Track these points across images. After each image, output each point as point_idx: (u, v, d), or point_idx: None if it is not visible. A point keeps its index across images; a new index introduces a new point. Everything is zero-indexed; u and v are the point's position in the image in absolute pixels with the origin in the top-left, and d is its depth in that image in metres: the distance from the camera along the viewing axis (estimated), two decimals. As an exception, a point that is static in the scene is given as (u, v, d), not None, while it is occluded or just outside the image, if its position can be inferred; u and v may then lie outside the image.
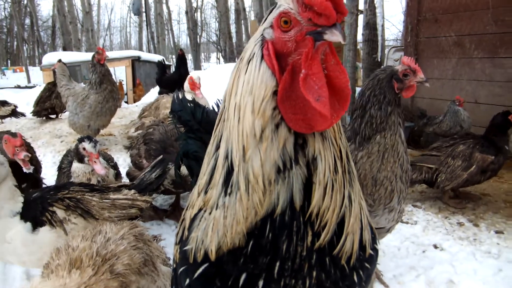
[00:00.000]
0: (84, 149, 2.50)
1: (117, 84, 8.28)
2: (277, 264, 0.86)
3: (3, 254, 1.91)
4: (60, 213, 1.93)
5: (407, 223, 3.00)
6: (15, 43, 36.59)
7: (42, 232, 1.88)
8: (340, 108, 0.86)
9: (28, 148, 3.03)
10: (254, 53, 0.89)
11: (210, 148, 0.98)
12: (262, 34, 0.89)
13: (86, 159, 2.50)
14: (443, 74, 5.26)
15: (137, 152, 2.90)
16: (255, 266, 0.86)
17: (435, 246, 2.66)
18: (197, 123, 1.63)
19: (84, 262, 1.41)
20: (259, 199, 0.83)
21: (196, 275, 0.91)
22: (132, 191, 2.31)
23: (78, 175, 2.58)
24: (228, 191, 0.88)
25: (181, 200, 3.23)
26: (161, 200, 3.49)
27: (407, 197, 2.20)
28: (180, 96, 1.80)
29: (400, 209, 1.97)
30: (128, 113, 6.55)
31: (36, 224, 1.85)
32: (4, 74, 25.18)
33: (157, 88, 8.29)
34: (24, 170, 2.31)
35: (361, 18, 6.98)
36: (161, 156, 2.59)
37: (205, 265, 0.90)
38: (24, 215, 1.86)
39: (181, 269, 0.96)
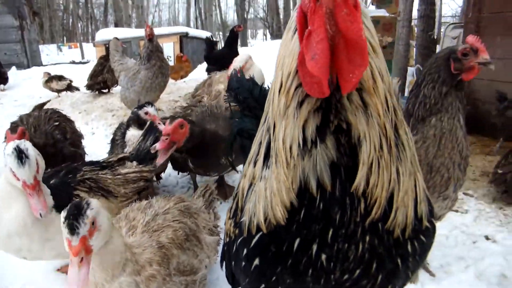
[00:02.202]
0: (146, 113, 2.66)
1: (180, 57, 8.36)
2: (331, 230, 0.86)
3: (48, 254, 1.77)
4: (84, 196, 1.85)
5: (456, 211, 2.85)
6: (71, 20, 38.26)
7: None
8: (360, 65, 0.73)
9: (68, 121, 3.28)
10: (292, 17, 0.87)
11: (261, 120, 1.00)
12: None
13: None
14: (507, 53, 4.83)
15: None
16: (308, 232, 0.87)
17: (487, 238, 2.51)
18: (254, 100, 1.63)
19: (138, 229, 1.58)
20: (284, 173, 0.83)
21: (252, 245, 0.94)
22: (135, 163, 2.33)
23: (133, 142, 2.70)
24: (268, 163, 0.90)
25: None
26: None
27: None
28: (239, 75, 1.81)
29: (454, 197, 1.89)
30: (176, 89, 6.63)
31: None
32: (60, 50, 26.19)
33: (204, 65, 8.30)
34: None
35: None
36: (149, 123, 2.64)
37: (259, 234, 0.92)
38: (57, 206, 1.73)
39: (239, 240, 1.00)
